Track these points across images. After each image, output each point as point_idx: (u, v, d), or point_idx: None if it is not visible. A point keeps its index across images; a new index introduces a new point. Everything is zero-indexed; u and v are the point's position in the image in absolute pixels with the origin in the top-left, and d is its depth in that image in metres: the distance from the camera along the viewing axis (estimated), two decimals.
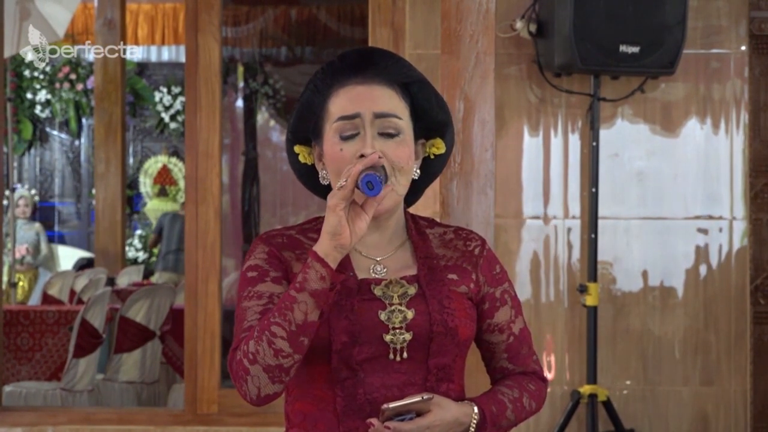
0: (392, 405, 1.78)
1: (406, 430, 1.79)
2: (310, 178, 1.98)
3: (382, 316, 1.85)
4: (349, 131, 1.88)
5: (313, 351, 1.82)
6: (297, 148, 1.97)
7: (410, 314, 1.86)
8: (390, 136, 1.88)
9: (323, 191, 1.97)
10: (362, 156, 1.85)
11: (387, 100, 1.90)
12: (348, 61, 1.92)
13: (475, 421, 1.86)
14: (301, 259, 1.90)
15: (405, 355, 1.85)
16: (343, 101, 1.89)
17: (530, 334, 2.03)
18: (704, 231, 4.73)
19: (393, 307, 1.86)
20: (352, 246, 1.79)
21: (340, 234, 1.77)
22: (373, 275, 1.90)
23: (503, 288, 1.99)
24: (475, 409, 1.87)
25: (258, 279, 1.88)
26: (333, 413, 1.84)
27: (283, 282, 1.88)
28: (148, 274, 10.61)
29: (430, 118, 1.95)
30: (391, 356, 1.85)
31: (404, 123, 1.90)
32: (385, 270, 1.91)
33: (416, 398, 1.80)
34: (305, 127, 1.95)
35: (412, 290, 1.89)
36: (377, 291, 1.88)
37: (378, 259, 1.92)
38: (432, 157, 1.98)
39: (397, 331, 1.85)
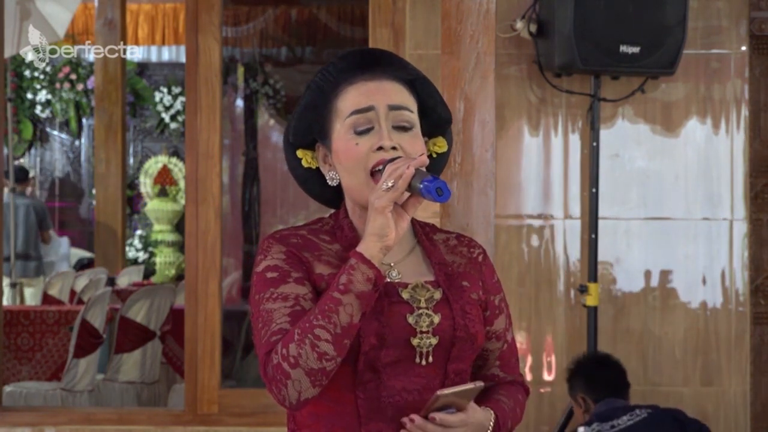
0: (446, 391, 1.77)
1: (450, 422, 1.79)
2: (312, 182, 1.97)
3: (410, 319, 1.84)
4: (364, 125, 1.87)
5: None
6: (300, 153, 1.95)
7: (437, 318, 1.86)
8: (404, 129, 1.88)
9: (326, 195, 1.96)
10: (380, 148, 1.84)
11: (398, 93, 1.90)
12: (352, 60, 1.92)
13: (491, 426, 1.88)
14: (321, 261, 1.87)
15: (431, 359, 1.85)
16: (354, 96, 1.88)
17: (516, 344, 2.05)
18: (704, 231, 4.73)
19: (420, 311, 1.85)
20: (393, 247, 1.79)
21: (387, 235, 1.77)
22: (388, 280, 1.88)
23: (500, 296, 2.00)
24: (493, 415, 1.89)
25: (280, 280, 1.84)
26: (353, 415, 1.83)
27: (305, 283, 1.85)
28: (148, 274, 10.62)
29: (436, 115, 1.95)
30: (417, 360, 1.84)
31: (416, 117, 1.90)
32: (400, 275, 1.90)
33: (469, 385, 1.80)
34: (309, 129, 1.93)
35: (437, 295, 1.88)
36: (405, 294, 1.87)
37: (392, 263, 1.90)
38: (434, 155, 1.98)
39: (424, 335, 1.84)
